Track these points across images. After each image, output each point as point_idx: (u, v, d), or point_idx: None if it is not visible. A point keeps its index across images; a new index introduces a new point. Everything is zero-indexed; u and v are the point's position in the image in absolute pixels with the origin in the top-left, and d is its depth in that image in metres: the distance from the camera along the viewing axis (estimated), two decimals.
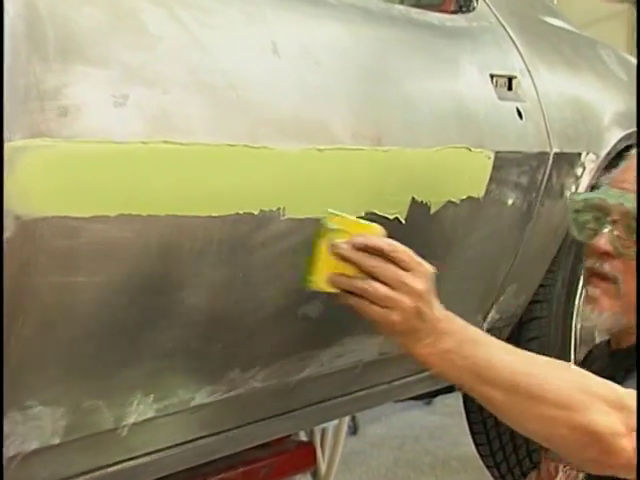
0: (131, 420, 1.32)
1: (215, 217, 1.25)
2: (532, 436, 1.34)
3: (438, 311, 1.29)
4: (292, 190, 1.36)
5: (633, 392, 1.30)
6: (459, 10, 1.86)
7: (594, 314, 1.49)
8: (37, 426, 1.21)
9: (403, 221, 1.56)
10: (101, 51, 1.14)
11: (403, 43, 1.66)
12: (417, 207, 1.58)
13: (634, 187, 1.48)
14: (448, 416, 3.75)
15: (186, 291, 1.28)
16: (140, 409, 1.33)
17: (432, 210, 1.63)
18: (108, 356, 1.24)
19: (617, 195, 1.49)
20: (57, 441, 1.24)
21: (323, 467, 2.63)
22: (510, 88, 1.85)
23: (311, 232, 1.32)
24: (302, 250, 1.39)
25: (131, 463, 1.39)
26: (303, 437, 2.50)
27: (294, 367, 1.58)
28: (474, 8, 1.88)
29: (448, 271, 1.73)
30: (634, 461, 1.26)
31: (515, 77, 1.87)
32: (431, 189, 1.61)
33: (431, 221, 1.63)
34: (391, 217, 1.54)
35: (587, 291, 1.52)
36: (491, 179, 1.73)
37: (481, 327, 1.95)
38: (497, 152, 1.72)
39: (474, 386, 1.29)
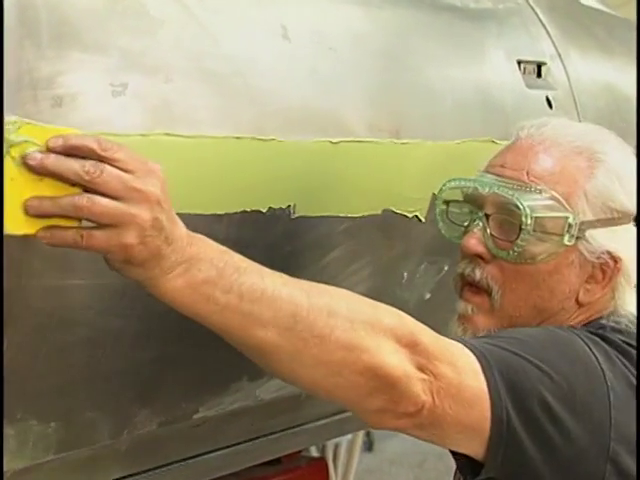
0: (130, 434, 1.33)
1: (220, 216, 1.26)
2: (309, 388, 1.16)
3: (185, 231, 1.07)
4: (303, 186, 1.37)
5: (424, 327, 1.17)
6: None
7: (467, 334, 1.32)
8: (28, 441, 1.22)
9: (423, 220, 1.56)
10: (98, 36, 1.14)
11: (424, 27, 1.67)
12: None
13: (517, 173, 1.30)
14: None
15: None
16: (140, 422, 1.33)
17: None
18: (105, 365, 1.25)
19: (491, 183, 1.31)
20: (50, 457, 1.25)
21: None
22: (539, 75, 1.85)
23: (322, 232, 1.32)
24: (314, 250, 1.40)
25: None
26: (315, 453, 2.51)
27: None
28: None
29: None
30: (427, 413, 1.13)
31: (545, 63, 1.87)
32: None
33: None
34: (410, 215, 1.54)
35: (458, 306, 1.36)
36: None
37: None
38: None
39: (240, 327, 1.07)
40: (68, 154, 1.00)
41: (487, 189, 1.31)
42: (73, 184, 1.00)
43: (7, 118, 0.99)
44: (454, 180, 1.38)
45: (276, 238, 1.36)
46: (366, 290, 1.57)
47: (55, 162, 0.99)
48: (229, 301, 1.06)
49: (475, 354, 1.18)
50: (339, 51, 1.45)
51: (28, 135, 1.00)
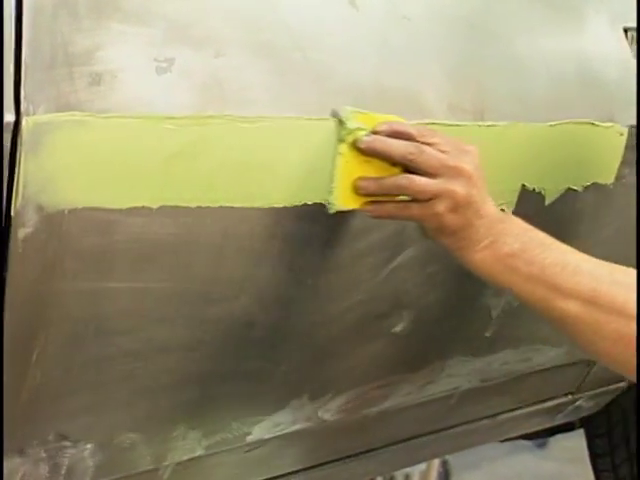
0: (174, 459, 1.35)
1: (279, 209, 1.27)
2: (598, 357, 1.34)
3: (495, 210, 1.30)
4: None
5: None
6: None
7: None
8: (62, 465, 1.24)
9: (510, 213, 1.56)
10: (141, 5, 1.15)
11: None
12: (529, 196, 1.58)
13: None
14: (567, 462, 3.71)
15: (242, 300, 1.30)
16: (185, 446, 1.35)
17: (547, 200, 1.62)
18: (147, 379, 1.27)
19: None
20: None
21: None
22: None
23: (393, 229, 1.32)
24: (384, 250, 1.41)
25: None
26: None
27: (374, 396, 1.59)
28: None
29: None
30: None
31: None
32: (547, 174, 1.61)
33: (546, 214, 1.63)
34: None
35: None
36: (623, 161, 1.71)
37: None
38: (631, 127, 1.70)
39: (542, 298, 1.28)
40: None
41: None
42: (394, 164, 1.27)
43: (343, 107, 1.28)
44: None
45: (340, 235, 1.37)
46: (443, 296, 1.58)
47: (383, 144, 1.26)
48: (531, 273, 1.28)
49: None
50: (414, 20, 1.45)
51: (360, 122, 1.28)
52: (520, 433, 2.15)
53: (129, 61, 1.13)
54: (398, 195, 1.28)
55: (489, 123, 1.48)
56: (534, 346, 1.85)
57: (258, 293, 1.32)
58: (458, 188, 1.26)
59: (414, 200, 1.27)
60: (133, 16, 1.14)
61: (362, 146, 1.26)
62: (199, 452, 1.38)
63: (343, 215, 1.33)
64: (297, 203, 1.29)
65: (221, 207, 1.21)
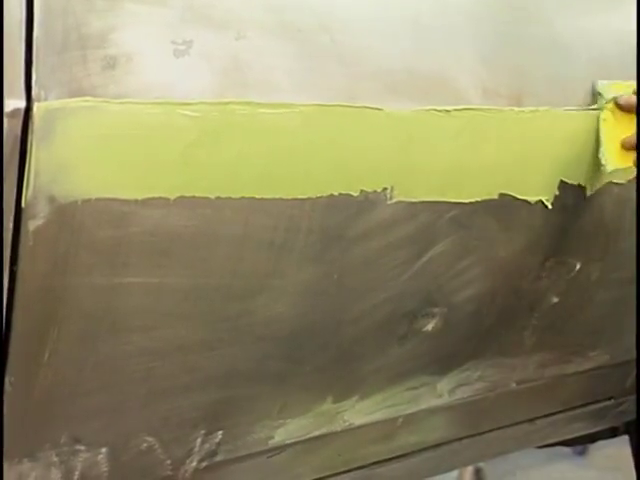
0: (193, 464, 1.36)
1: (303, 200, 1.27)
2: None
3: None
4: (403, 165, 1.37)
5: None
6: None
7: None
8: (74, 469, 1.25)
9: (549, 206, 1.55)
10: None
11: None
12: (568, 188, 1.57)
13: None
14: (609, 471, 3.70)
15: (265, 296, 1.31)
16: (205, 450, 1.36)
17: (589, 192, 1.62)
18: (165, 380, 1.27)
19: None
20: None
21: None
22: None
23: (424, 221, 1.32)
24: (415, 243, 1.40)
25: None
26: None
27: (402, 398, 1.59)
28: None
29: (608, 274, 1.72)
30: None
31: None
32: (588, 165, 1.60)
33: (587, 207, 1.63)
34: (533, 201, 1.53)
35: None
36: None
37: None
38: None
39: None
40: None
41: None
42: None
43: (599, 81, 1.59)
44: None
45: (368, 228, 1.37)
46: (477, 293, 1.57)
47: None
48: None
49: None
50: None
51: (614, 91, 1.58)
52: (559, 439, 2.14)
53: (145, 43, 1.14)
54: None
55: (527, 109, 1.48)
56: (574, 347, 1.85)
57: (281, 289, 1.32)
58: None
59: None
60: None
61: (621, 102, 1.55)
62: (220, 457, 1.39)
63: (370, 207, 1.33)
64: (322, 194, 1.29)
65: (242, 198, 1.21)
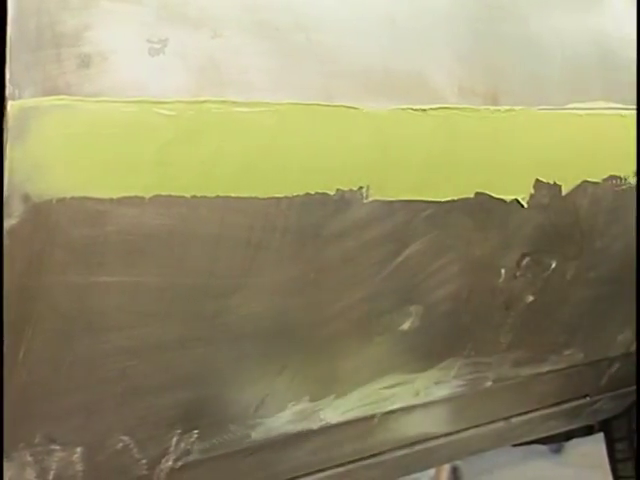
0: (169, 463, 1.35)
1: (280, 199, 1.27)
2: None
3: None
4: (379, 164, 1.37)
5: None
6: None
7: None
8: (49, 469, 1.24)
9: (525, 205, 1.56)
10: None
11: None
12: (544, 187, 1.58)
13: None
14: (585, 468, 3.72)
15: (241, 295, 1.30)
16: (180, 449, 1.36)
17: (564, 191, 1.62)
18: (140, 378, 1.27)
19: None
20: None
21: None
22: None
23: (401, 220, 1.32)
24: (391, 242, 1.41)
25: None
26: None
27: (378, 396, 1.60)
28: None
29: (583, 273, 1.72)
30: None
31: None
32: (563, 164, 1.61)
33: (562, 206, 1.63)
34: (508, 200, 1.54)
35: None
36: None
37: (625, 349, 1.94)
38: None
39: None
40: None
41: None
42: None
43: None
44: None
45: (345, 227, 1.37)
46: (453, 292, 1.58)
47: None
48: None
49: None
50: None
51: None
52: (534, 437, 2.15)
53: (120, 42, 1.13)
54: None
55: (502, 108, 1.48)
56: (549, 345, 1.86)
57: (257, 288, 1.32)
58: None
59: None
60: None
61: None
62: (195, 456, 1.38)
63: (346, 206, 1.34)
64: (298, 193, 1.29)
65: (218, 196, 1.21)
